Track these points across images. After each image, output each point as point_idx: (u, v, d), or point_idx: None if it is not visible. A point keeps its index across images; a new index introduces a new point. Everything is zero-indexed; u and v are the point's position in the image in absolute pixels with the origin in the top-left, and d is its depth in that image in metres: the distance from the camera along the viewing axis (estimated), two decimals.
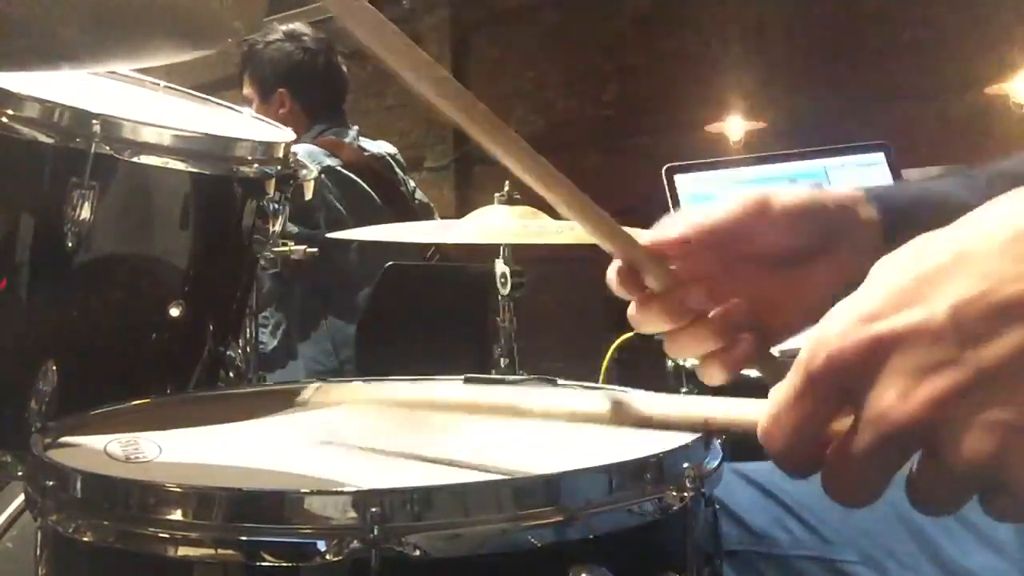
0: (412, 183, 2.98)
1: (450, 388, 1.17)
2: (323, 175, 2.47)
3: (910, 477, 0.52)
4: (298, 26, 2.91)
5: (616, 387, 1.14)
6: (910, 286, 0.49)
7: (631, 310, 0.82)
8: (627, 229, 0.79)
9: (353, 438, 0.97)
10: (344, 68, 2.94)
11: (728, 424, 0.60)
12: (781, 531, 0.95)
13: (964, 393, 0.47)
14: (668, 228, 0.82)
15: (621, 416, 0.65)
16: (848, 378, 0.50)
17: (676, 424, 0.62)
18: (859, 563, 0.92)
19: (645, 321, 0.81)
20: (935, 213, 0.52)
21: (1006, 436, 0.46)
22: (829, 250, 0.81)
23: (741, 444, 0.95)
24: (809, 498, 0.97)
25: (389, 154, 2.89)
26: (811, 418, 0.52)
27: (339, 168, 2.63)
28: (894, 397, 0.48)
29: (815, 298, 0.77)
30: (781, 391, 0.53)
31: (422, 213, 2.93)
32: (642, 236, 0.81)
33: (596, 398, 0.65)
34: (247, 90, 2.87)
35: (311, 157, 2.35)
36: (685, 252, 0.81)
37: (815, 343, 0.51)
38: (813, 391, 0.51)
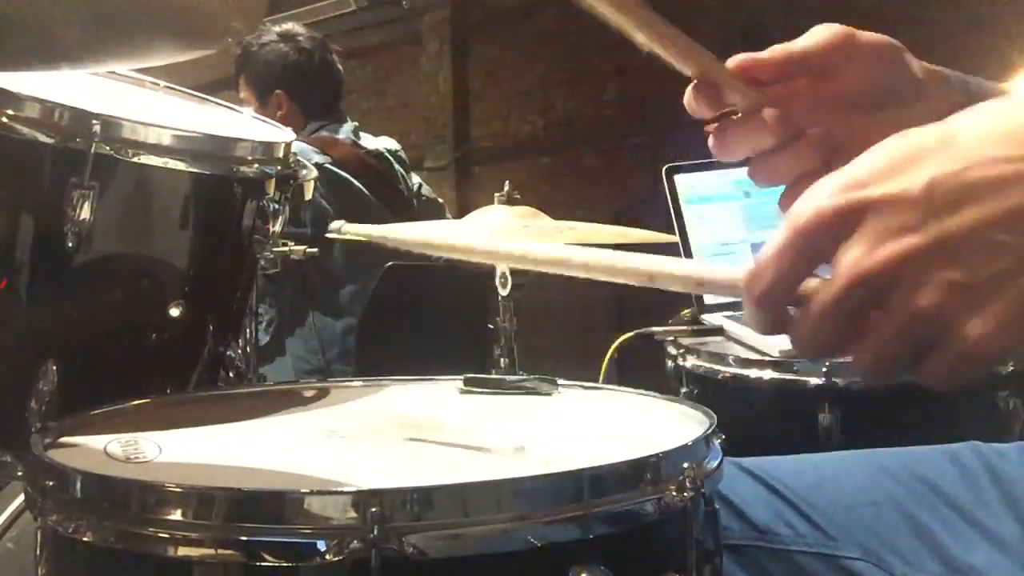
0: (417, 179, 2.97)
1: (451, 388, 1.17)
2: None
3: (861, 336, 0.57)
4: (292, 26, 2.90)
5: (616, 387, 1.15)
6: (894, 162, 0.56)
7: (711, 140, 0.85)
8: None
9: (353, 438, 0.97)
10: (339, 66, 2.94)
11: (716, 281, 0.64)
12: (783, 526, 0.95)
13: (924, 254, 0.53)
14: (755, 54, 0.82)
15: (621, 271, 0.66)
16: (828, 236, 0.56)
17: (669, 280, 0.65)
18: (862, 559, 0.92)
19: (727, 143, 0.84)
20: None
21: (953, 294, 0.53)
22: (907, 102, 0.81)
23: (740, 441, 0.95)
24: (811, 493, 0.97)
25: (390, 150, 2.88)
26: (791, 270, 0.57)
27: (328, 166, 2.62)
28: (862, 252, 0.55)
29: None
30: (767, 247, 0.59)
31: (429, 209, 2.92)
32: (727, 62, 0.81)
33: (604, 253, 0.66)
34: (243, 93, 2.86)
35: (301, 154, 2.34)
36: (772, 76, 0.81)
37: (803, 204, 0.57)
38: (795, 245, 0.57)
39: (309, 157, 2.51)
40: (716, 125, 0.84)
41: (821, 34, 0.83)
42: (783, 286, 0.58)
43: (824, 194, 0.57)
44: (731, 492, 0.95)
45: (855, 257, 0.55)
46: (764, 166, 0.83)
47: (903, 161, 0.56)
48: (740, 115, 0.82)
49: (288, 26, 2.89)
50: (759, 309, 0.60)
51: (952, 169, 0.54)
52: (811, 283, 0.58)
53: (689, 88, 0.82)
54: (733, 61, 0.81)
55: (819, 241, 0.57)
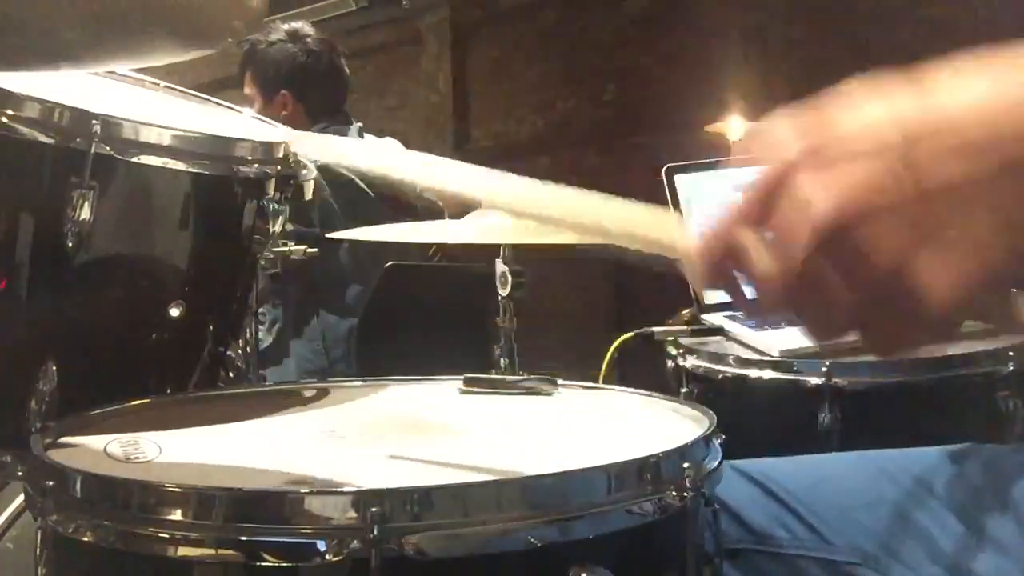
0: None
1: (451, 388, 1.17)
2: (318, 172, 2.46)
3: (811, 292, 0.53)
4: (301, 26, 2.89)
5: (616, 387, 1.15)
6: (868, 105, 0.53)
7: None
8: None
9: (353, 438, 0.97)
10: (347, 69, 2.93)
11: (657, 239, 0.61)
12: (781, 530, 0.95)
13: (892, 188, 0.49)
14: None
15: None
16: (775, 193, 0.54)
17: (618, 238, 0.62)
18: (861, 564, 0.92)
19: None
20: None
21: (914, 237, 0.49)
22: None
23: (740, 441, 0.95)
24: (808, 496, 0.97)
25: None
26: (746, 216, 0.55)
27: (335, 166, 2.63)
28: (831, 181, 0.51)
29: None
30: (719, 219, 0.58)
31: (428, 210, 2.92)
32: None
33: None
34: (248, 90, 2.86)
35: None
36: None
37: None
38: (751, 202, 0.55)
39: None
40: None
41: None
42: (733, 233, 0.56)
43: (794, 122, 0.55)
44: (728, 496, 0.95)
45: (823, 186, 0.51)
46: None
47: (851, 104, 0.54)
48: None
49: (297, 25, 2.88)
50: (705, 266, 0.57)
51: (926, 123, 0.51)
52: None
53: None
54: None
55: (767, 200, 0.55)
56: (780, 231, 0.53)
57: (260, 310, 2.54)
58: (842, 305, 0.52)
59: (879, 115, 0.52)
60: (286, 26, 2.87)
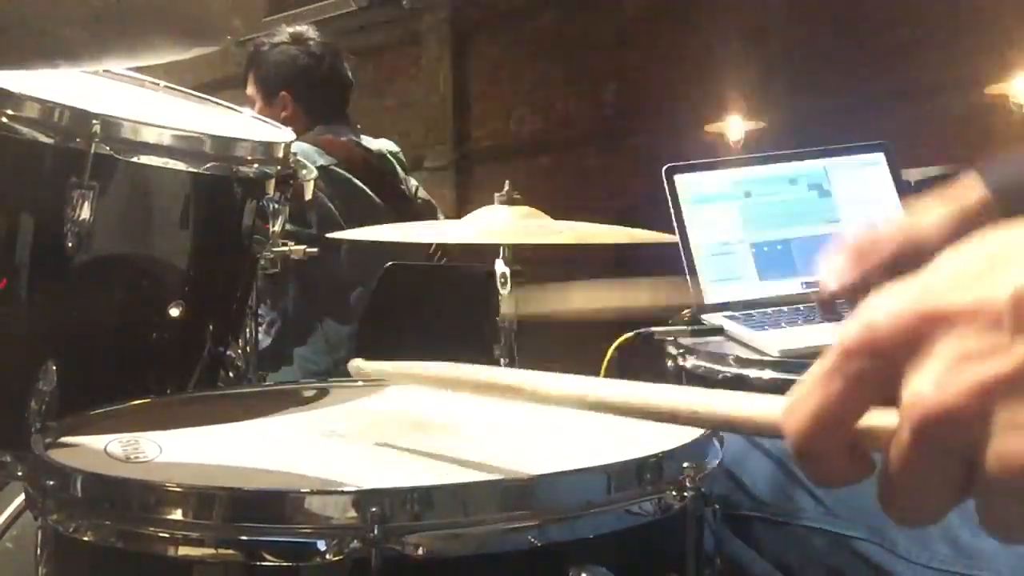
0: (414, 182, 2.97)
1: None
2: (317, 176, 2.46)
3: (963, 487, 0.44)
4: (305, 29, 2.89)
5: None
6: (971, 267, 0.42)
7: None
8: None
9: (353, 438, 0.97)
10: (349, 73, 2.93)
11: (749, 419, 0.51)
12: (786, 500, 0.94)
13: (1012, 385, 0.39)
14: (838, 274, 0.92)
15: (639, 408, 0.59)
16: (885, 359, 0.43)
17: (693, 420, 0.55)
18: (866, 538, 0.91)
19: None
20: None
21: None
22: None
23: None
24: None
25: (391, 152, 2.88)
26: (836, 401, 0.44)
27: (333, 167, 2.62)
28: (929, 384, 0.41)
29: None
30: (810, 373, 0.45)
31: (426, 212, 2.92)
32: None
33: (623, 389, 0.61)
34: (250, 90, 2.87)
35: (305, 157, 2.34)
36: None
37: (857, 317, 0.44)
38: (843, 368, 0.44)
39: (313, 159, 2.51)
40: None
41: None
42: (830, 426, 0.44)
43: (884, 305, 0.43)
44: (738, 466, 0.94)
45: (920, 393, 0.41)
46: None
47: (980, 266, 0.42)
48: None
49: (302, 28, 2.88)
50: (805, 458, 0.46)
51: None
52: (885, 417, 0.44)
53: None
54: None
55: (875, 366, 0.43)
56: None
57: (259, 311, 2.54)
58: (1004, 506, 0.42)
59: (994, 278, 0.41)
60: (291, 29, 2.87)
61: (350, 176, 2.67)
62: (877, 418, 0.44)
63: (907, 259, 0.85)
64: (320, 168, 2.53)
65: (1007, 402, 0.39)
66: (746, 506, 0.94)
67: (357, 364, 0.98)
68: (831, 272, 0.92)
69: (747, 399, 0.52)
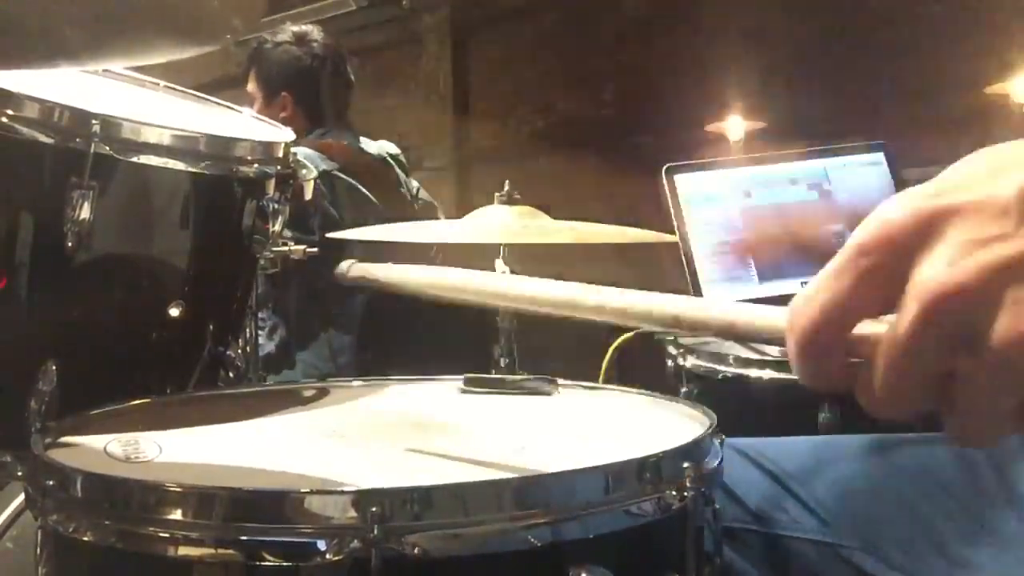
0: (415, 183, 2.97)
1: (452, 388, 1.17)
2: (318, 180, 2.45)
3: (950, 388, 0.45)
4: (310, 29, 2.87)
5: (616, 387, 1.15)
6: (979, 170, 0.45)
7: None
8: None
9: (353, 438, 0.97)
10: (352, 75, 2.92)
11: (754, 325, 0.51)
12: (779, 511, 0.94)
13: (1019, 267, 0.42)
14: None
15: (642, 313, 0.59)
16: (897, 253, 0.44)
17: (703, 326, 0.55)
18: (859, 549, 0.91)
19: None
20: None
21: None
22: None
23: (737, 419, 0.94)
24: (809, 478, 0.95)
25: (391, 154, 2.88)
26: (847, 296, 0.45)
27: (336, 172, 2.62)
28: (941, 266, 0.43)
29: None
30: (820, 273, 0.46)
31: (426, 213, 2.92)
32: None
33: (625, 295, 0.59)
34: (251, 87, 2.85)
35: (308, 161, 2.33)
36: None
37: (870, 217, 0.45)
38: (855, 264, 0.45)
39: (316, 164, 2.50)
40: None
41: None
42: (836, 320, 0.45)
43: (896, 204, 0.45)
44: (730, 478, 0.94)
45: (933, 274, 0.43)
46: None
47: (988, 169, 0.45)
48: None
49: (307, 28, 2.86)
50: (806, 355, 0.47)
51: None
52: (876, 326, 0.45)
53: None
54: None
55: (885, 261, 0.44)
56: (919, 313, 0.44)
57: (261, 315, 2.54)
58: (991, 400, 0.44)
59: (1002, 178, 0.45)
60: (295, 28, 2.85)
61: (352, 181, 2.66)
62: (868, 327, 0.46)
63: None
64: (323, 173, 2.53)
65: (1014, 283, 0.42)
66: (739, 518, 0.94)
67: (344, 267, 0.95)
68: None
69: (750, 307, 0.53)
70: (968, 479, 0.93)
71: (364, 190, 2.68)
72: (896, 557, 0.90)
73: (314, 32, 2.87)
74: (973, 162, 0.46)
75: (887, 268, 0.45)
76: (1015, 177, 0.44)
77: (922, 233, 0.44)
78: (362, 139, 2.85)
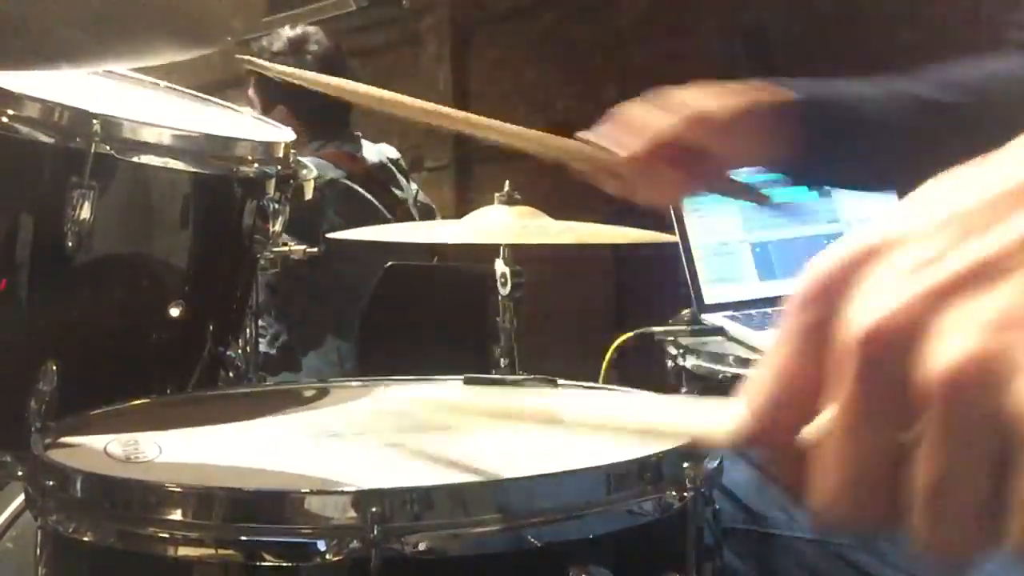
0: (415, 186, 2.96)
1: (452, 388, 1.17)
2: (325, 189, 2.43)
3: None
4: (308, 34, 2.81)
5: (617, 387, 1.15)
6: (919, 200, 0.38)
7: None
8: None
9: (353, 438, 0.97)
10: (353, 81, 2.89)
11: (709, 433, 0.42)
12: (778, 511, 0.94)
13: (959, 284, 0.34)
14: (624, 144, 0.97)
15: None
16: (834, 297, 0.37)
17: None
18: (856, 547, 0.91)
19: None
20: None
21: (1007, 330, 0.32)
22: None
23: None
24: None
25: (391, 159, 2.87)
26: (795, 362, 0.37)
27: (343, 180, 2.60)
28: (873, 300, 0.35)
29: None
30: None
31: (426, 214, 2.91)
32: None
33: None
34: (251, 92, 2.83)
35: (317, 169, 2.31)
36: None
37: (804, 270, 0.39)
38: (796, 324, 0.38)
39: (325, 172, 2.48)
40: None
41: (673, 123, 0.97)
42: (790, 395, 0.37)
43: (826, 253, 0.39)
44: (724, 477, 0.94)
45: (864, 308, 0.35)
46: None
47: (929, 199, 0.38)
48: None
49: (303, 32, 2.81)
50: (770, 447, 0.38)
51: (979, 192, 0.36)
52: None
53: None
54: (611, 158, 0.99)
55: (822, 315, 0.37)
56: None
57: (261, 323, 2.54)
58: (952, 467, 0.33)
59: (932, 206, 0.38)
60: (291, 34, 2.79)
61: (359, 189, 2.65)
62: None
63: (694, 138, 0.94)
64: (330, 182, 2.52)
65: (954, 300, 0.34)
66: (736, 517, 0.94)
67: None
68: (614, 140, 0.99)
69: (702, 407, 0.44)
70: None
71: (370, 197, 2.67)
72: (891, 552, 0.90)
73: (312, 37, 2.81)
74: (917, 194, 0.39)
75: (830, 318, 0.37)
76: (951, 199, 0.37)
77: (852, 275, 0.37)
78: (363, 142, 2.84)
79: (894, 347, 0.34)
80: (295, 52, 2.77)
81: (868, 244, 0.37)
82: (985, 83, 1.06)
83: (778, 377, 0.37)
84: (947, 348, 0.33)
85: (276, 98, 2.76)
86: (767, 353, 0.38)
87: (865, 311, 0.35)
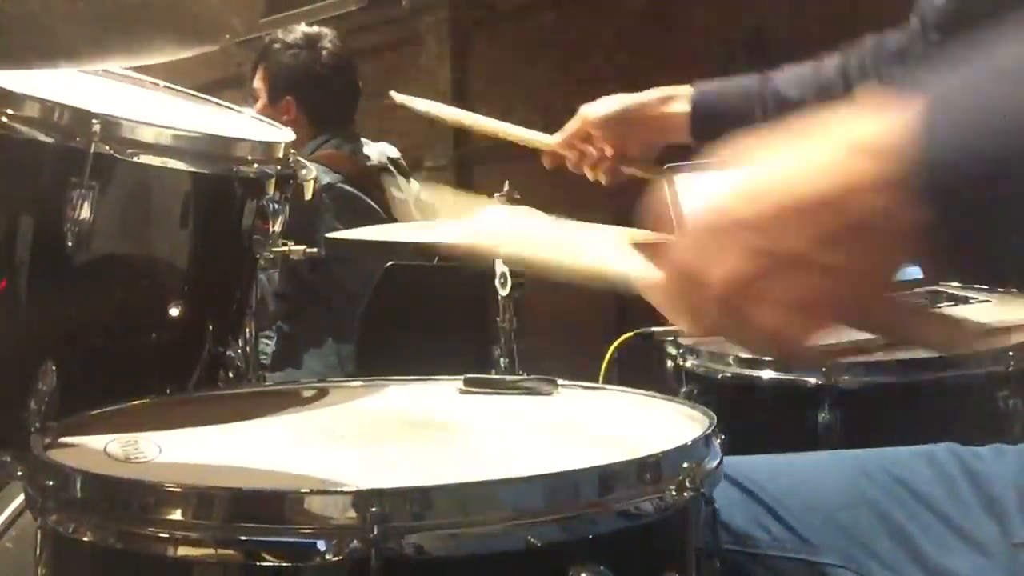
0: (416, 186, 2.96)
1: (451, 388, 1.17)
2: (323, 194, 2.43)
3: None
4: (323, 33, 2.81)
5: (616, 387, 1.15)
6: (758, 189, 0.62)
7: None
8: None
9: (353, 438, 0.97)
10: (359, 83, 2.88)
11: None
12: (760, 530, 0.95)
13: (774, 269, 0.58)
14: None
15: None
16: (704, 251, 0.62)
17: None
18: (840, 565, 0.92)
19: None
20: (742, 111, 0.72)
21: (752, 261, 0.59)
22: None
23: (740, 441, 0.95)
24: (788, 496, 0.97)
25: (391, 158, 2.87)
26: (676, 279, 0.67)
27: (339, 184, 2.60)
28: (727, 264, 0.60)
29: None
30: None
31: (426, 214, 2.90)
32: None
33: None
34: (257, 83, 2.82)
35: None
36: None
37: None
38: (679, 262, 0.66)
39: (320, 176, 2.48)
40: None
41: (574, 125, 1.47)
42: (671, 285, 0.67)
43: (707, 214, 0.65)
44: None
45: (718, 269, 0.61)
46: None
47: (765, 187, 0.62)
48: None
49: (318, 31, 2.81)
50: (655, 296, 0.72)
51: (808, 193, 0.58)
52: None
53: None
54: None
55: (695, 259, 0.63)
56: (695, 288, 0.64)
57: (267, 333, 2.53)
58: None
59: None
60: (308, 30, 2.80)
61: (356, 192, 2.65)
62: None
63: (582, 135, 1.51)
64: (326, 186, 2.51)
65: (768, 278, 0.60)
66: (720, 538, 0.95)
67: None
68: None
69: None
70: (944, 489, 0.94)
71: (368, 200, 2.67)
72: (876, 570, 0.91)
73: (326, 37, 2.81)
74: (760, 174, 0.64)
75: (697, 268, 0.63)
76: (783, 191, 0.60)
77: (718, 239, 0.62)
78: (363, 140, 2.84)
79: (736, 294, 0.60)
80: (310, 47, 2.77)
81: (730, 218, 0.61)
82: (829, 83, 1.37)
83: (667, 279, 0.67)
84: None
85: (282, 90, 2.76)
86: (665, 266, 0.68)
87: (722, 270, 0.60)
